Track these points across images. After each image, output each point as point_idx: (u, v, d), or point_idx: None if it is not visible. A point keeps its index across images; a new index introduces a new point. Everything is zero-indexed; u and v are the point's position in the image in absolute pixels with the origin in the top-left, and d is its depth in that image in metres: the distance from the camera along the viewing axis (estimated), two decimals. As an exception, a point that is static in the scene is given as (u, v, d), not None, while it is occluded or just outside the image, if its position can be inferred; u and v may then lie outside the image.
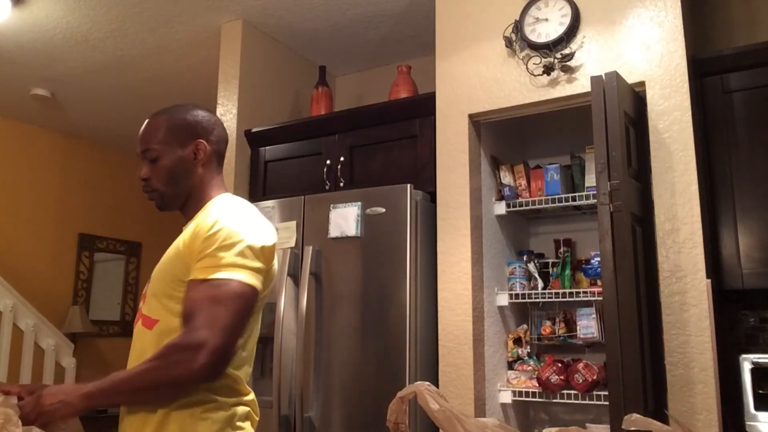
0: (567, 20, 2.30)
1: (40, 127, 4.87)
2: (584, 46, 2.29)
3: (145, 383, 1.21)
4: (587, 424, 2.33)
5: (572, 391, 2.26)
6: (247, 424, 1.30)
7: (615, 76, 1.97)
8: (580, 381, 2.23)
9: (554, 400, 2.31)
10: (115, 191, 5.38)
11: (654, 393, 1.99)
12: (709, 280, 1.96)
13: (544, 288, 2.50)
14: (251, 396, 1.33)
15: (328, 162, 2.90)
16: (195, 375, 1.17)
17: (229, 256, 1.24)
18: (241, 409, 1.29)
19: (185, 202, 1.44)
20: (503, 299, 2.49)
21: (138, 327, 1.37)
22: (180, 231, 1.46)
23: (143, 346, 1.32)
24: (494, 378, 2.44)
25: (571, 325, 2.47)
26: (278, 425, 2.42)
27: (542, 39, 2.34)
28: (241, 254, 1.25)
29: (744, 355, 2.13)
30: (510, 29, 2.42)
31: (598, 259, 2.15)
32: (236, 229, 1.27)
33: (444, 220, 2.47)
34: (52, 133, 4.98)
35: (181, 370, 1.17)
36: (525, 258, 2.57)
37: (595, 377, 2.22)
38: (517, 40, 2.41)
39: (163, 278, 1.33)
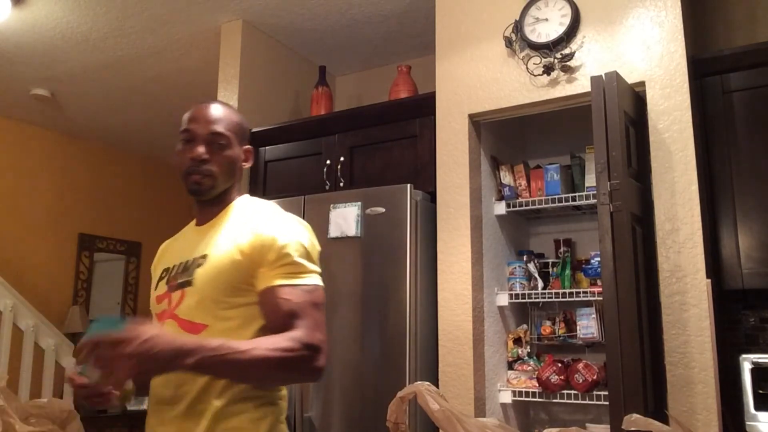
0: (567, 20, 2.30)
1: (39, 127, 4.87)
2: (584, 46, 2.29)
3: (272, 368, 1.20)
4: (587, 424, 2.33)
5: (572, 391, 2.26)
6: (284, 420, 1.38)
7: (615, 76, 1.97)
8: (580, 381, 2.23)
9: (554, 400, 2.31)
10: (115, 191, 5.38)
11: (654, 393, 1.99)
12: (709, 280, 1.96)
13: (544, 288, 2.50)
14: (285, 392, 1.40)
15: (328, 162, 2.90)
16: (312, 374, 1.26)
17: (309, 264, 1.32)
18: (283, 405, 1.37)
19: (217, 197, 1.43)
20: (503, 299, 2.49)
21: (176, 330, 1.31)
22: (180, 230, 1.47)
23: None
24: (494, 378, 2.44)
25: (571, 325, 2.47)
26: (278, 425, 2.42)
27: (542, 39, 2.34)
28: (316, 262, 1.36)
29: (744, 355, 2.13)
30: (510, 29, 2.42)
31: (598, 259, 2.15)
32: (303, 237, 1.35)
33: (444, 220, 2.47)
34: (51, 133, 4.98)
35: (305, 367, 1.23)
36: (525, 258, 2.57)
37: (595, 377, 2.22)
38: (517, 40, 2.41)
39: (216, 286, 1.29)
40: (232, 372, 1.19)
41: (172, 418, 1.26)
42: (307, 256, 1.33)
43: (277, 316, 1.25)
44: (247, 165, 1.49)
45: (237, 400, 1.25)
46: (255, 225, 1.34)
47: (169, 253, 1.49)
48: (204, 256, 1.33)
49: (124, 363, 1.05)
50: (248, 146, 1.50)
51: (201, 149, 1.38)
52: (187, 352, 1.10)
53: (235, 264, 1.30)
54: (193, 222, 1.50)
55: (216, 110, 1.44)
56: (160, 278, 1.41)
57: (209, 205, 1.43)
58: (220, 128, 1.40)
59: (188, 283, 1.32)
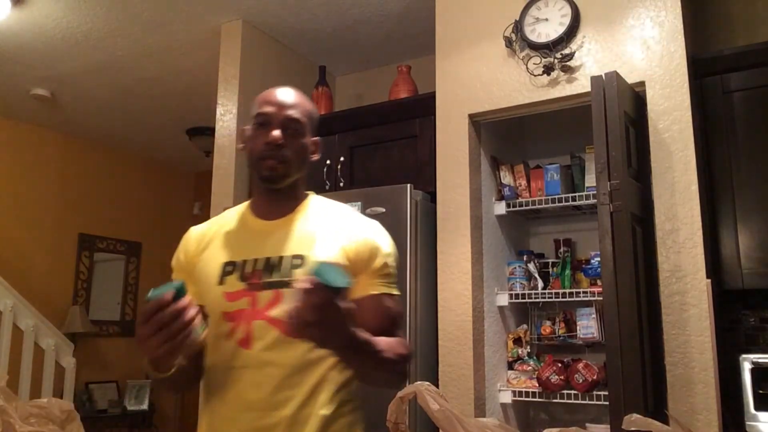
0: (567, 20, 2.30)
1: (39, 126, 4.87)
2: (584, 46, 2.29)
3: (389, 370, 1.21)
4: (587, 424, 2.33)
5: (572, 391, 2.26)
6: None
7: (615, 76, 1.97)
8: (580, 381, 2.23)
9: (554, 400, 2.31)
10: (115, 191, 5.38)
11: (654, 393, 1.99)
12: (709, 280, 1.96)
13: (544, 288, 2.50)
14: None
15: (328, 162, 2.90)
16: (403, 381, 1.26)
17: (396, 275, 1.33)
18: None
19: (288, 188, 1.34)
20: (503, 299, 2.49)
21: (272, 333, 1.21)
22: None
23: (292, 359, 1.20)
24: (494, 378, 2.43)
25: (571, 325, 2.47)
26: (278, 425, 2.42)
27: (542, 39, 2.34)
28: None
29: (744, 355, 2.13)
30: (510, 29, 2.42)
31: (598, 259, 2.15)
32: (394, 248, 1.36)
33: (444, 220, 2.47)
34: (51, 133, 4.98)
35: (403, 373, 1.26)
36: (525, 258, 2.57)
37: (595, 377, 2.22)
38: (517, 40, 2.41)
39: None
40: (367, 367, 1.16)
41: (272, 425, 1.18)
42: (397, 267, 1.34)
43: (379, 323, 1.22)
44: (315, 157, 1.40)
45: (340, 404, 1.23)
46: (363, 230, 1.31)
47: (224, 245, 1.34)
48: (300, 257, 1.25)
49: (337, 316, 0.99)
50: (317, 138, 1.41)
51: (277, 133, 1.29)
52: (357, 332, 1.07)
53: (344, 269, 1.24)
54: (247, 211, 1.38)
55: (292, 95, 1.36)
56: (225, 272, 1.29)
57: (280, 197, 1.34)
58: (296, 114, 1.33)
59: (287, 285, 1.22)
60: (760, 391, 2.06)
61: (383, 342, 1.16)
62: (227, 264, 1.29)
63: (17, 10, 3.15)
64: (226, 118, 3.21)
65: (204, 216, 4.02)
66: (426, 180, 2.59)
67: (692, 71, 2.15)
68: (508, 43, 2.42)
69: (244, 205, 1.41)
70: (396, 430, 0.52)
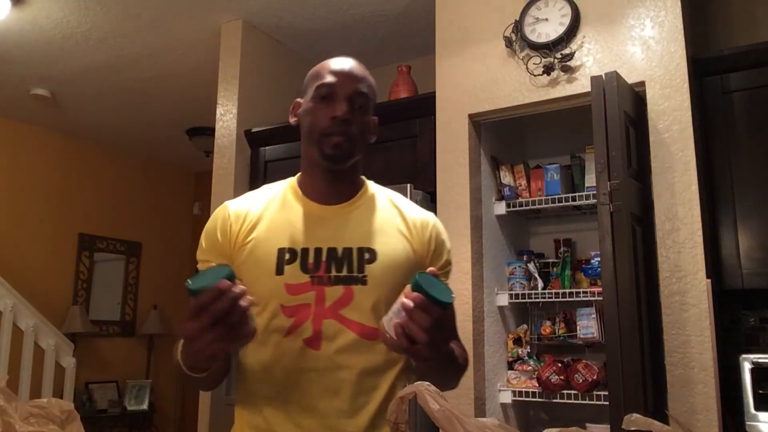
0: (567, 20, 2.30)
1: (39, 126, 4.88)
2: (584, 46, 2.29)
3: (459, 375, 1.18)
4: (587, 424, 2.33)
5: (572, 391, 2.26)
6: None
7: (615, 76, 1.97)
8: (580, 381, 2.23)
9: (554, 400, 2.31)
10: (115, 191, 5.38)
11: (654, 393, 1.99)
12: (709, 280, 1.96)
13: (544, 288, 2.49)
14: None
15: (328, 162, 2.90)
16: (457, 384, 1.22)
17: None
18: None
19: (349, 170, 1.22)
20: (503, 299, 2.49)
21: (346, 335, 1.11)
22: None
23: (365, 363, 1.11)
24: (494, 378, 2.43)
25: (571, 325, 2.47)
26: (278, 425, 2.42)
27: (542, 39, 2.34)
28: None
29: (744, 355, 2.13)
30: (510, 29, 2.42)
31: (598, 259, 2.15)
32: None
33: (444, 220, 2.46)
34: (51, 133, 4.98)
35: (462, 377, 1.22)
36: (525, 258, 2.57)
37: (595, 377, 2.22)
38: (517, 40, 2.41)
39: (393, 288, 1.08)
40: (444, 375, 1.10)
41: None
42: None
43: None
44: (373, 139, 1.28)
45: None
46: (428, 224, 1.23)
47: (276, 227, 1.18)
48: (370, 251, 1.14)
49: (444, 333, 0.96)
50: (376, 117, 1.29)
51: (345, 107, 1.16)
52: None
53: (409, 263, 1.16)
54: (297, 192, 1.24)
55: (358, 68, 1.25)
56: (284, 260, 1.13)
57: (340, 179, 1.21)
58: (364, 88, 1.21)
59: (360, 281, 1.12)
60: (760, 391, 2.06)
61: (457, 349, 1.12)
62: (284, 251, 1.14)
63: (17, 10, 3.15)
64: (226, 118, 3.21)
65: (204, 216, 4.00)
66: (426, 180, 2.59)
67: (692, 71, 2.15)
68: (508, 43, 2.42)
69: (289, 184, 1.26)
70: (396, 430, 0.52)
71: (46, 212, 4.90)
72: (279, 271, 1.12)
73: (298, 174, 1.27)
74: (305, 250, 1.14)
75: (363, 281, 1.12)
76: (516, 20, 2.41)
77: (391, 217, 1.21)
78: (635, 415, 0.40)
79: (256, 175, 3.15)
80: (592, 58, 2.27)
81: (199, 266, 1.20)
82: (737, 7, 2.64)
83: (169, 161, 5.77)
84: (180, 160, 5.67)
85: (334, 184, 1.21)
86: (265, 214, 1.20)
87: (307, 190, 1.22)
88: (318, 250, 1.14)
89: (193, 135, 4.80)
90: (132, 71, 3.86)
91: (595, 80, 2.00)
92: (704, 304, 1.95)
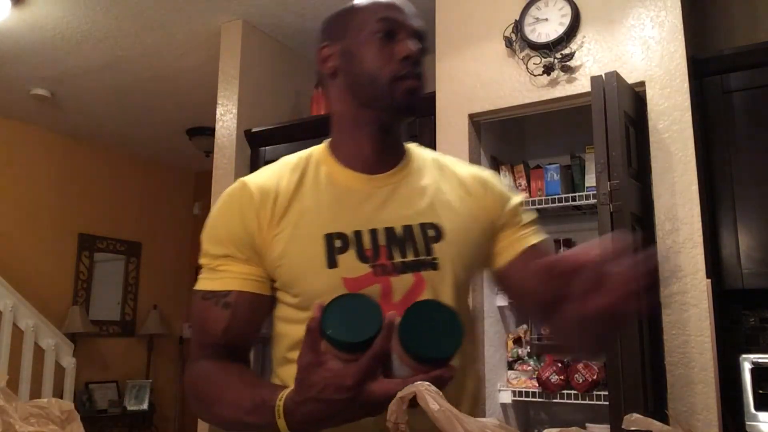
0: (567, 20, 2.30)
1: (39, 127, 4.88)
2: (584, 46, 2.29)
3: None
4: (587, 424, 2.33)
5: (572, 391, 2.26)
6: None
7: (615, 76, 1.97)
8: (580, 381, 2.23)
9: (554, 400, 2.31)
10: (115, 191, 5.38)
11: (654, 393, 1.99)
12: (709, 280, 1.96)
13: (544, 288, 2.49)
14: None
15: (328, 162, 2.90)
16: None
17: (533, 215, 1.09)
18: None
19: (399, 129, 1.03)
20: (503, 299, 2.49)
21: None
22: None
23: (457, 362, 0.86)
24: (494, 378, 2.43)
25: (571, 325, 2.46)
26: (278, 425, 2.42)
27: (542, 39, 2.34)
28: None
29: (744, 355, 2.12)
30: (510, 29, 2.42)
31: (598, 259, 2.14)
32: None
33: (444, 220, 2.47)
34: (51, 133, 4.98)
35: None
36: (525, 258, 2.57)
37: (595, 377, 2.22)
38: (517, 40, 2.41)
39: (468, 268, 0.97)
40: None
41: None
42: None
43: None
44: None
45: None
46: (483, 175, 1.06)
47: (315, 208, 0.96)
48: (434, 227, 0.96)
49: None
50: None
51: (415, 44, 0.96)
52: None
53: (481, 232, 1.00)
54: (331, 161, 1.02)
55: (411, 5, 1.03)
56: (335, 249, 0.92)
57: (391, 142, 1.01)
58: (423, 28, 1.01)
59: (429, 265, 0.93)
60: (760, 391, 2.06)
61: None
62: (333, 237, 0.93)
63: (17, 10, 3.15)
64: (226, 118, 3.21)
65: (204, 216, 4.00)
66: (426, 180, 2.59)
67: (692, 71, 2.15)
68: (508, 43, 2.42)
69: (318, 153, 1.04)
70: (396, 430, 0.52)
71: (46, 212, 4.90)
72: (331, 262, 0.91)
73: (326, 141, 1.05)
74: (358, 234, 0.93)
75: (433, 265, 0.93)
76: (516, 20, 2.41)
77: (445, 180, 1.02)
78: (635, 415, 0.40)
79: (256, 175, 3.15)
80: (592, 58, 2.27)
81: (212, 266, 0.97)
82: (737, 7, 2.64)
83: (169, 161, 5.77)
84: (180, 160, 5.67)
85: (383, 148, 0.99)
86: (297, 192, 0.97)
87: (347, 157, 1.00)
88: (373, 233, 0.93)
89: (193, 135, 4.80)
90: (132, 71, 3.86)
91: (595, 80, 2.00)
92: (704, 304, 1.95)
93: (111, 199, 5.34)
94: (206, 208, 3.49)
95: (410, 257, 0.93)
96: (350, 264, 0.92)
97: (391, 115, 0.97)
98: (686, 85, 2.09)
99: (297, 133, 3.07)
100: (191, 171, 5.97)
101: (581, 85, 2.25)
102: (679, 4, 2.15)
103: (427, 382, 0.54)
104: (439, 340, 0.72)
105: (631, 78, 2.15)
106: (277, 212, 0.95)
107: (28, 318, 4.22)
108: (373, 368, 0.71)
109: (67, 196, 5.05)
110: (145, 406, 5.07)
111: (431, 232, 0.96)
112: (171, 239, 5.65)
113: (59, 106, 4.44)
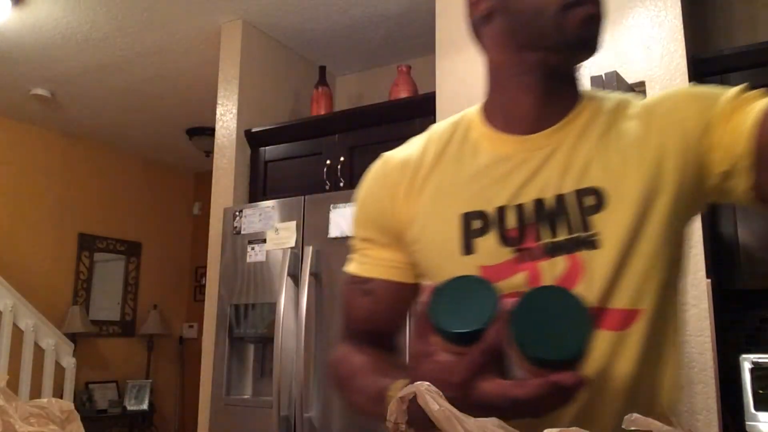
0: (567, 20, 2.30)
1: (39, 126, 4.88)
2: (584, 46, 2.29)
3: None
4: (587, 424, 2.33)
5: (572, 391, 2.25)
6: None
7: (615, 76, 1.97)
8: (580, 381, 2.23)
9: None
10: (115, 191, 5.38)
11: (654, 393, 1.98)
12: (709, 280, 1.96)
13: (544, 288, 2.49)
14: None
15: (328, 162, 2.90)
16: None
17: None
18: None
19: (573, 72, 0.84)
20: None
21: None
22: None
23: (626, 368, 0.73)
24: (494, 378, 2.43)
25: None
26: (278, 425, 2.42)
27: (542, 39, 2.33)
28: None
29: (744, 355, 2.12)
30: (510, 29, 2.42)
31: (598, 259, 2.14)
32: None
33: (444, 220, 2.47)
34: (51, 133, 4.98)
35: None
36: (525, 258, 2.56)
37: (595, 377, 2.22)
38: (517, 40, 2.41)
39: (650, 242, 0.73)
40: None
41: None
42: None
43: None
44: None
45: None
46: (672, 97, 0.79)
47: (452, 182, 0.82)
48: (594, 191, 0.74)
49: None
50: None
51: None
52: None
53: (666, 192, 0.74)
54: (481, 123, 0.86)
55: None
56: (472, 232, 0.77)
57: (560, 89, 0.81)
58: None
59: (587, 244, 0.73)
60: (760, 391, 2.06)
61: None
62: (472, 217, 0.78)
63: (17, 10, 3.15)
64: (226, 118, 3.21)
65: (204, 216, 4.01)
66: (426, 180, 2.59)
67: (692, 71, 2.15)
68: (508, 43, 2.41)
69: (469, 116, 0.90)
70: (396, 430, 0.52)
71: (46, 212, 4.90)
72: (467, 248, 0.77)
73: (480, 103, 0.91)
74: (501, 211, 0.77)
75: (592, 243, 0.73)
76: (516, 20, 2.40)
77: (623, 127, 0.78)
78: (635, 415, 0.40)
79: (256, 175, 3.15)
80: (592, 58, 2.27)
81: (357, 248, 0.90)
82: (737, 7, 2.64)
83: (169, 161, 5.77)
84: (180, 160, 5.67)
85: (546, 101, 0.79)
86: (439, 162, 0.84)
87: (501, 117, 0.84)
88: (520, 209, 0.76)
89: (193, 135, 4.80)
90: (132, 71, 3.86)
91: (594, 80, 1.99)
92: (704, 304, 1.95)
93: (111, 199, 5.35)
94: (206, 208, 3.50)
95: (562, 235, 0.74)
96: (490, 249, 0.76)
97: (563, 54, 0.78)
98: (686, 85, 2.09)
99: (297, 133, 3.08)
100: (191, 171, 5.97)
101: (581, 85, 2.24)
102: (679, 4, 2.15)
103: (427, 382, 0.53)
104: (559, 338, 0.57)
105: (631, 78, 2.15)
106: (414, 190, 0.82)
107: (28, 318, 4.22)
108: (483, 365, 0.59)
109: (67, 196, 5.05)
110: (145, 406, 5.07)
111: (589, 200, 0.74)
112: (171, 239, 5.66)
113: (59, 106, 4.44)
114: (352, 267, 0.91)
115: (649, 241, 0.73)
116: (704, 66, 2.23)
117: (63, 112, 4.56)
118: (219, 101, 3.26)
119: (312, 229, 2.59)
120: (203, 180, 5.40)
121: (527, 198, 0.76)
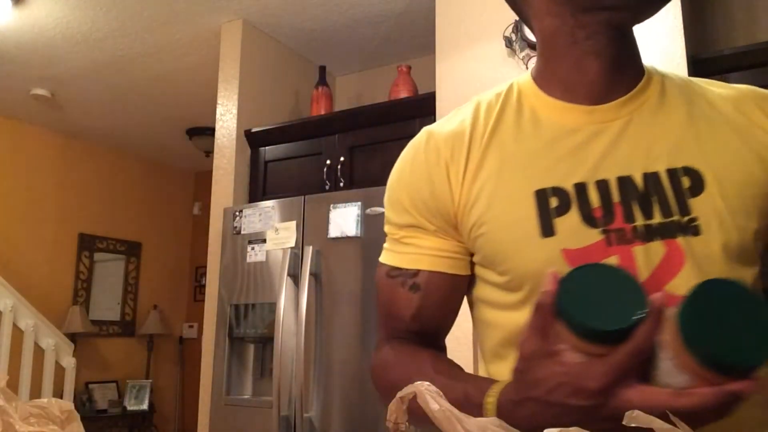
0: (567, 20, 2.30)
1: (39, 127, 4.88)
2: (584, 46, 2.29)
3: None
4: (587, 424, 2.33)
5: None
6: None
7: (615, 76, 1.97)
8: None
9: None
10: (115, 191, 5.38)
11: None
12: (709, 280, 1.96)
13: (545, 288, 2.49)
14: None
15: (328, 162, 2.90)
16: None
17: None
18: None
19: (633, 39, 0.75)
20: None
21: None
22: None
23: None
24: (494, 378, 2.43)
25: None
26: (278, 425, 2.42)
27: (542, 39, 2.33)
28: None
29: None
30: (510, 29, 2.42)
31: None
32: None
33: (444, 220, 2.47)
34: (51, 133, 4.98)
35: None
36: (525, 258, 2.56)
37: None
38: (517, 39, 2.41)
39: (746, 225, 0.67)
40: None
41: None
42: None
43: None
44: None
45: None
46: (753, 92, 0.74)
47: (525, 155, 0.72)
48: (691, 171, 0.68)
49: None
50: None
51: None
52: None
53: (757, 175, 0.69)
54: (538, 93, 0.76)
55: None
56: (551, 211, 0.68)
57: (624, 57, 0.73)
58: None
59: (686, 229, 0.66)
60: (761, 391, 2.06)
61: None
62: (547, 194, 0.69)
63: (17, 10, 3.15)
64: (226, 118, 3.21)
65: (204, 216, 4.00)
66: (426, 180, 2.59)
67: (692, 71, 2.15)
68: (508, 43, 2.42)
69: (521, 85, 0.80)
70: (396, 430, 0.52)
71: (46, 212, 4.90)
72: (546, 229, 0.68)
73: (530, 71, 0.81)
74: (581, 188, 0.69)
75: (693, 229, 0.66)
76: (516, 20, 2.41)
77: (703, 104, 0.73)
78: (636, 412, 0.39)
79: (256, 175, 3.15)
80: (592, 58, 2.27)
81: (397, 237, 0.79)
82: (737, 7, 2.64)
83: (169, 161, 5.77)
84: (180, 160, 5.67)
85: (614, 67, 0.71)
86: (495, 134, 0.74)
87: (562, 86, 0.73)
88: (603, 184, 0.68)
89: (193, 135, 4.80)
90: (132, 71, 3.86)
91: (595, 80, 1.99)
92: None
93: (111, 199, 5.35)
94: (206, 208, 3.50)
95: (658, 218, 0.66)
96: (573, 230, 0.67)
97: (628, 13, 0.69)
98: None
99: (297, 133, 3.08)
100: (191, 171, 5.97)
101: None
102: (679, 4, 2.15)
103: (427, 382, 0.53)
104: (745, 340, 0.49)
105: (631, 78, 2.15)
106: (471, 166, 0.73)
107: (28, 318, 4.22)
108: (630, 369, 0.51)
109: (67, 196, 5.05)
110: (145, 406, 5.07)
111: (686, 181, 0.67)
112: (171, 239, 5.66)
113: (59, 106, 4.44)
114: (392, 257, 0.79)
115: (748, 233, 0.67)
116: (704, 66, 2.23)
117: (63, 112, 4.56)
118: (219, 101, 3.26)
119: (312, 229, 2.59)
120: (203, 180, 5.40)
121: (609, 174, 0.68)
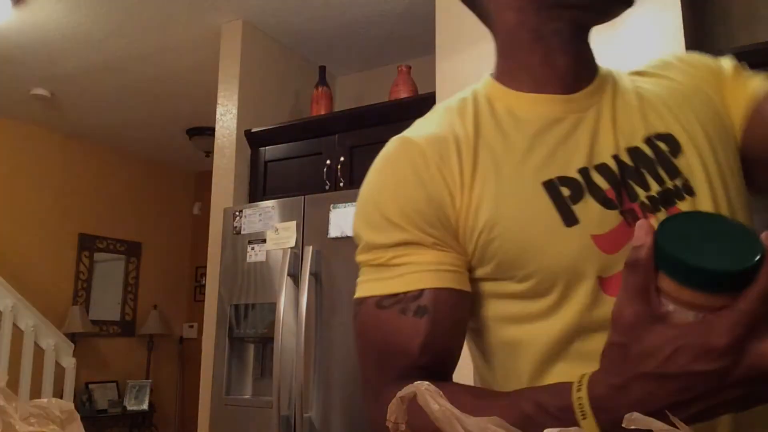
0: (567, 20, 2.30)
1: (40, 126, 4.88)
2: (584, 46, 2.29)
3: None
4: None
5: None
6: None
7: (615, 76, 1.97)
8: (580, 381, 2.23)
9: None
10: (115, 191, 5.38)
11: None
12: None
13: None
14: None
15: (328, 162, 2.90)
16: None
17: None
18: None
19: (588, 44, 0.79)
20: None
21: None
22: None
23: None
24: (494, 378, 2.43)
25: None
26: (278, 425, 2.42)
27: (542, 39, 2.33)
28: None
29: None
30: (510, 29, 2.42)
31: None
32: None
33: (444, 220, 2.46)
34: (51, 133, 4.98)
35: None
36: (525, 258, 2.56)
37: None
38: (517, 40, 2.41)
39: (730, 172, 0.70)
40: None
41: None
42: None
43: None
44: None
45: None
46: (693, 55, 0.84)
47: (518, 149, 0.69)
48: (665, 136, 0.70)
49: None
50: None
51: None
52: None
53: (724, 127, 0.73)
54: (504, 94, 0.77)
55: None
56: (567, 200, 0.65)
57: (585, 49, 0.78)
58: None
59: (682, 192, 0.66)
60: None
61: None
62: (555, 184, 0.66)
63: (17, 10, 3.15)
64: (226, 118, 3.21)
65: (204, 216, 4.00)
66: (426, 180, 2.59)
67: (692, 71, 2.15)
68: (508, 43, 2.42)
69: (483, 88, 0.81)
70: (396, 430, 0.52)
71: (46, 212, 4.91)
72: (569, 218, 0.64)
73: (489, 75, 0.83)
74: (585, 172, 0.67)
75: (686, 189, 0.66)
76: (516, 20, 2.41)
77: (654, 82, 0.78)
78: (635, 414, 0.39)
79: (256, 175, 3.15)
80: (592, 58, 2.27)
81: (381, 261, 0.69)
82: (737, 7, 2.64)
83: (169, 161, 5.77)
84: (180, 160, 5.67)
85: (580, 60, 0.76)
86: (479, 135, 0.71)
87: (532, 80, 0.74)
88: (604, 167, 0.67)
89: (193, 135, 4.80)
90: (132, 71, 3.86)
91: (595, 80, 2.00)
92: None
93: (111, 199, 5.35)
94: (206, 208, 3.49)
95: (655, 188, 0.66)
96: (595, 214, 0.64)
97: (593, 13, 0.73)
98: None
99: (297, 133, 3.08)
100: (191, 171, 5.97)
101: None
102: (679, 4, 2.15)
103: (427, 382, 0.52)
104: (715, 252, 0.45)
105: (631, 78, 2.15)
106: (466, 168, 0.68)
107: (28, 318, 4.22)
108: (761, 316, 0.43)
109: (67, 196, 5.05)
110: (145, 406, 5.07)
111: (662, 146, 0.68)
112: (171, 239, 5.66)
113: (59, 106, 4.44)
114: (380, 286, 0.68)
115: (729, 179, 0.69)
116: (704, 66, 2.23)
117: (63, 112, 4.56)
118: (219, 101, 3.26)
119: (312, 229, 2.59)
120: (203, 180, 5.40)
121: (604, 158, 0.68)
